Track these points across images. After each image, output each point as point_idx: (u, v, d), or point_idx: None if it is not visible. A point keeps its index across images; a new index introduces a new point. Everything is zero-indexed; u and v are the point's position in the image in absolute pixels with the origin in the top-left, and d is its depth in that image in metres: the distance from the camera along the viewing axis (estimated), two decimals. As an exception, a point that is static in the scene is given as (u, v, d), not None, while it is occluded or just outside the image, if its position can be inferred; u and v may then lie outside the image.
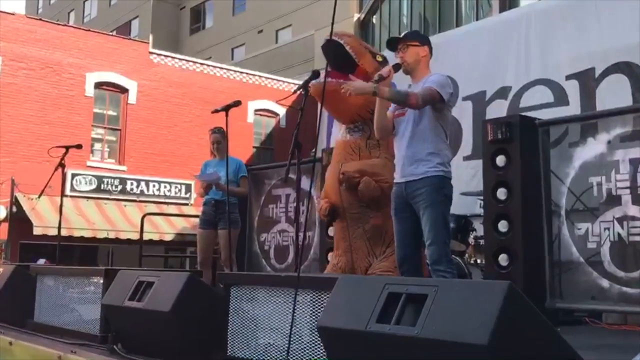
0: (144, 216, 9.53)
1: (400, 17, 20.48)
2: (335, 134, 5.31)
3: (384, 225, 4.42)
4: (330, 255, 5.74)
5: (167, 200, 16.36)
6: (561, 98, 6.81)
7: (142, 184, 16.17)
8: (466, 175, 7.08)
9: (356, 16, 21.48)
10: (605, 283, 4.49)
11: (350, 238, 4.59)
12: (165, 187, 16.45)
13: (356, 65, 4.54)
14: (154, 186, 16.32)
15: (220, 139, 6.08)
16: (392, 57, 4.19)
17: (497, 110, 7.16)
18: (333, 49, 4.53)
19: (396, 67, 3.91)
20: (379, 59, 4.69)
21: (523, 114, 5.90)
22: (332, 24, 2.58)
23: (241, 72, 18.28)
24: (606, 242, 4.50)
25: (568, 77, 6.79)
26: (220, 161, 6.03)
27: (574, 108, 6.57)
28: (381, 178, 4.42)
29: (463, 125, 7.49)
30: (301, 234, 3.60)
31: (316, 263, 6.37)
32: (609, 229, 4.49)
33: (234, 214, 5.98)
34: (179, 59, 17.42)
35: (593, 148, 4.66)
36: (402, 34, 4.01)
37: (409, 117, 3.86)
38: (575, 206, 4.69)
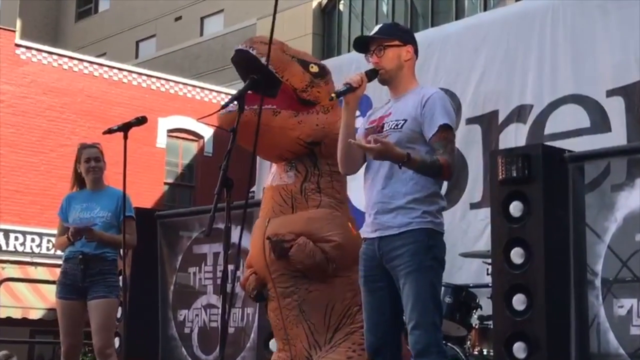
0: (0, 282, 9.38)
1: (379, 3, 20.85)
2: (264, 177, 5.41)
3: (328, 299, 4.54)
4: (272, 343, 5.74)
5: (35, 260, 16.12)
6: (600, 122, 6.91)
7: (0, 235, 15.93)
8: (474, 230, 7.10)
9: (317, 0, 21.80)
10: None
11: (284, 324, 4.65)
12: (32, 240, 16.21)
13: (279, 83, 4.69)
14: (15, 239, 16.08)
15: (100, 156, 6.01)
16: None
17: (513, 137, 7.23)
18: (247, 62, 4.63)
19: (370, 74, 3.98)
20: (314, 69, 4.84)
21: (548, 143, 5.99)
22: (275, 13, 2.64)
23: (149, 76, 18.27)
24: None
25: (610, 93, 6.91)
26: (95, 193, 5.96)
27: (618, 136, 6.68)
28: (323, 236, 4.53)
29: (469, 160, 7.50)
30: (232, 310, 3.59)
31: (253, 353, 6.33)
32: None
33: (111, 276, 5.88)
34: (59, 56, 17.34)
35: (644, 193, 4.76)
36: (375, 30, 4.09)
37: (385, 145, 3.91)
38: (615, 274, 4.74)
